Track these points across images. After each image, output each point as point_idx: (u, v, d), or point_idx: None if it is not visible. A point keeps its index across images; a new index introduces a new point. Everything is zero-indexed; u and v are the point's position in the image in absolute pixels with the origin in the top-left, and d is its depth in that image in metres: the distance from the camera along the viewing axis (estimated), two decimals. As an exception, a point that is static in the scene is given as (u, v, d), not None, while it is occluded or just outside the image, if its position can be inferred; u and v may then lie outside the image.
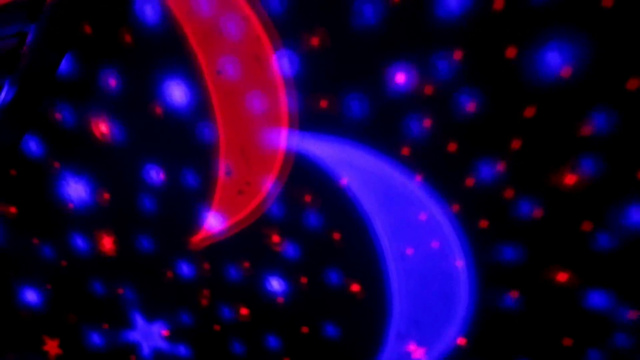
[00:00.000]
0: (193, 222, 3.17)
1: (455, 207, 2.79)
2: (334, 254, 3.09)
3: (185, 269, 3.34)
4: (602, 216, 2.60)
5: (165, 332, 3.54)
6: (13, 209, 3.43)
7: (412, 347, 3.14)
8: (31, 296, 3.66)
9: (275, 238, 3.09)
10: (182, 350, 3.59)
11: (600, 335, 2.85)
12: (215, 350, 3.53)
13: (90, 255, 3.45)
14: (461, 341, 3.05)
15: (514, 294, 2.89)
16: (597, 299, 2.78)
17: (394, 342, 3.22)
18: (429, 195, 2.82)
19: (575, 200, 2.59)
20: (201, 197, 3.08)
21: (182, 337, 3.56)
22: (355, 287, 3.14)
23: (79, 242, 3.43)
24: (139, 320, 3.58)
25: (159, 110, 2.92)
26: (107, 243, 3.34)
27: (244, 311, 3.37)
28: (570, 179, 2.57)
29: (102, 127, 2.99)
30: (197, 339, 3.55)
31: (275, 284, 3.26)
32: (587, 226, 2.63)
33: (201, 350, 3.56)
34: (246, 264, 3.21)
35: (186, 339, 3.56)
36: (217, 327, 3.45)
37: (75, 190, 3.30)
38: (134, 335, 3.63)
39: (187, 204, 3.13)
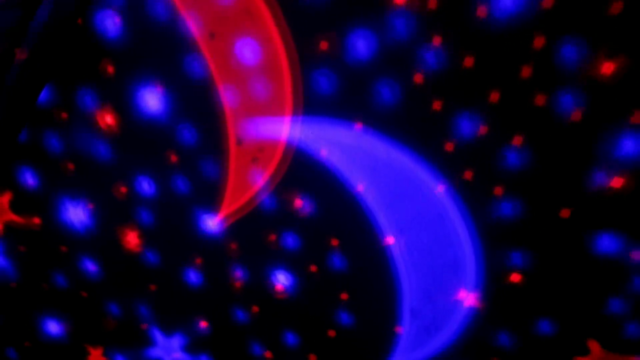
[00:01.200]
0: (210, 203, 3.13)
1: (442, 168, 2.74)
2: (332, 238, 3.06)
3: (192, 276, 3.36)
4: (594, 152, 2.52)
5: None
6: (22, 248, 3.51)
7: (462, 294, 3.00)
8: (53, 327, 3.72)
9: (298, 202, 3.05)
10: (204, 359, 3.58)
11: (617, 282, 2.74)
12: (235, 355, 3.52)
13: (102, 277, 3.49)
14: (476, 304, 2.97)
15: (520, 250, 2.80)
16: (606, 243, 2.67)
17: (410, 320, 3.15)
18: (414, 162, 2.78)
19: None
20: (215, 176, 3.03)
21: (202, 347, 3.56)
22: (359, 270, 3.09)
23: (89, 265, 3.48)
24: (159, 336, 3.60)
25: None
26: (133, 238, 3.34)
27: (255, 309, 3.36)
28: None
29: (108, 119, 3.01)
30: (217, 346, 3.54)
31: (282, 278, 3.24)
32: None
33: (222, 357, 3.56)
34: (272, 237, 3.15)
35: (206, 347, 3.55)
36: (234, 330, 3.45)
37: (76, 214, 3.36)
38: (156, 352, 3.64)
39: (200, 188, 3.10)
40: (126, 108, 2.97)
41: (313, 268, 3.15)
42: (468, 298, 2.98)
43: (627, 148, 2.46)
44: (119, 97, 2.96)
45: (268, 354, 3.45)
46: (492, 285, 2.92)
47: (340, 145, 2.83)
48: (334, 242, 3.05)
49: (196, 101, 2.87)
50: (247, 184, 3.00)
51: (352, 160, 2.85)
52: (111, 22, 2.79)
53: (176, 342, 3.58)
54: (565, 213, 2.66)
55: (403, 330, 3.17)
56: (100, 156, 3.13)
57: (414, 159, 2.78)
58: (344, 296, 3.19)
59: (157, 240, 3.32)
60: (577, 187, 2.60)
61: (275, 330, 3.39)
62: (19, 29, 2.65)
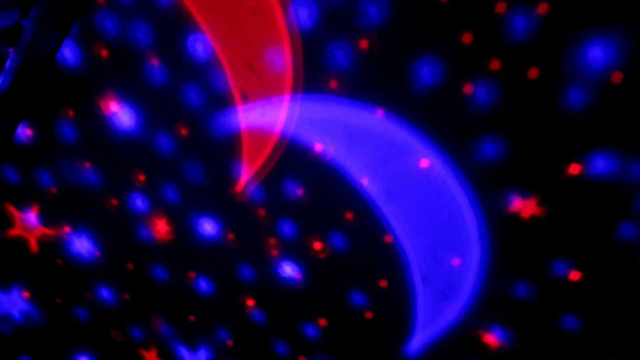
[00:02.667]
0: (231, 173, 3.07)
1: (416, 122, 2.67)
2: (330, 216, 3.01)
3: (203, 285, 3.36)
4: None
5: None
6: (25, 294, 3.59)
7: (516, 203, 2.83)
8: (85, 362, 3.79)
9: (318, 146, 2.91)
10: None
11: (620, 204, 2.57)
12: (261, 356, 3.47)
13: (117, 303, 3.54)
14: (482, 257, 2.85)
15: (515, 197, 2.68)
16: (600, 164, 2.52)
17: (423, 287, 3.04)
18: (395, 126, 2.71)
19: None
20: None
21: (228, 355, 3.53)
22: (361, 246, 3.03)
23: (105, 293, 3.53)
24: (185, 353, 3.60)
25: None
26: (162, 227, 3.32)
27: (250, 303, 3.31)
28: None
29: (113, 106, 3.01)
30: (241, 351, 3.51)
31: (288, 269, 3.19)
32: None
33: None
34: (299, 191, 3.04)
35: (232, 354, 3.53)
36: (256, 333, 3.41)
37: (82, 245, 3.43)
38: (186, 369, 3.65)
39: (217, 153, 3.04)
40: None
41: (317, 245, 3.09)
42: (474, 251, 2.87)
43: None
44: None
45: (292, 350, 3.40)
46: (495, 233, 2.80)
47: (315, 118, 2.81)
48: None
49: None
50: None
51: (329, 132, 2.82)
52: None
53: (202, 355, 3.57)
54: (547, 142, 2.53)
55: (417, 300, 3.07)
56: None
57: (388, 119, 2.72)
58: (351, 277, 3.13)
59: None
60: (555, 114, 2.48)
61: (294, 324, 3.34)
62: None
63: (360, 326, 3.22)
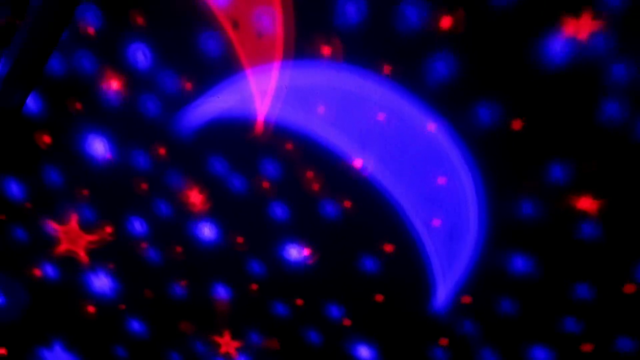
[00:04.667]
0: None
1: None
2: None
3: (221, 291, 3.35)
4: None
5: None
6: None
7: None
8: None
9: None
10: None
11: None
12: (300, 348, 3.40)
13: (151, 337, 3.56)
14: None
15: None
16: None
17: (429, 234, 2.92)
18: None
19: None
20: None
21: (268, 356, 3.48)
22: (355, 209, 2.95)
23: (135, 325, 3.58)
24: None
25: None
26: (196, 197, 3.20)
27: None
28: None
29: (114, 84, 3.00)
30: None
31: (294, 253, 3.14)
32: None
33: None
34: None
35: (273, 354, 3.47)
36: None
37: (102, 282, 3.51)
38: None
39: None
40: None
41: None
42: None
43: None
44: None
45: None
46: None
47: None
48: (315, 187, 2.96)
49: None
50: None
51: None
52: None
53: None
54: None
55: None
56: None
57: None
58: (358, 243, 3.04)
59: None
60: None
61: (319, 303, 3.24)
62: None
63: (382, 295, 3.11)
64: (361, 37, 2.58)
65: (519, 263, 2.82)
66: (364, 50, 2.63)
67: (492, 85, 2.54)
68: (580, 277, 2.75)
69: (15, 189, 3.35)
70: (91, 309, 3.59)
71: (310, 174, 2.94)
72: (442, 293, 3.01)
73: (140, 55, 2.80)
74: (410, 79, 2.62)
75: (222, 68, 2.79)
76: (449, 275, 2.97)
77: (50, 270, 3.53)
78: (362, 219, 2.97)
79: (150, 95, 2.91)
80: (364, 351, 3.26)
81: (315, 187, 2.95)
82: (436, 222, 2.88)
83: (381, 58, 2.62)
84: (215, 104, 2.86)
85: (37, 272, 3.56)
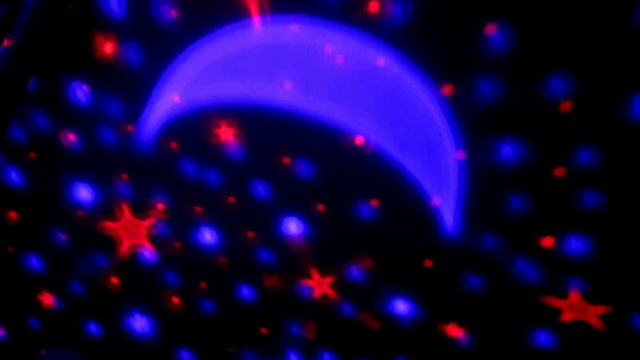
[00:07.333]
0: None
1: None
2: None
3: (245, 292, 3.30)
4: None
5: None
6: None
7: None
8: None
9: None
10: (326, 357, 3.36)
11: None
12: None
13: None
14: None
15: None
16: None
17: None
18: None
19: None
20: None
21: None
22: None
23: (185, 355, 3.59)
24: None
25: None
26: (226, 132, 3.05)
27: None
28: None
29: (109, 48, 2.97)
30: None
31: (293, 226, 3.06)
32: None
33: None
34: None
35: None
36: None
37: (139, 322, 3.57)
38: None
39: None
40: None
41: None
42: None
43: None
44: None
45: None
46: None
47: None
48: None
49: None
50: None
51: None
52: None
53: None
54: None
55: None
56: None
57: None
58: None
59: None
60: None
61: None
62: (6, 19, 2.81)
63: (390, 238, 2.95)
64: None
65: (508, 150, 2.61)
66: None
67: None
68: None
69: None
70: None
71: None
72: (449, 217, 2.82)
73: (80, 92, 2.91)
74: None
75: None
76: (445, 195, 2.78)
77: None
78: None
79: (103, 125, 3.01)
80: (400, 305, 3.09)
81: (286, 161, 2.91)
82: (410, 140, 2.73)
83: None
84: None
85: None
